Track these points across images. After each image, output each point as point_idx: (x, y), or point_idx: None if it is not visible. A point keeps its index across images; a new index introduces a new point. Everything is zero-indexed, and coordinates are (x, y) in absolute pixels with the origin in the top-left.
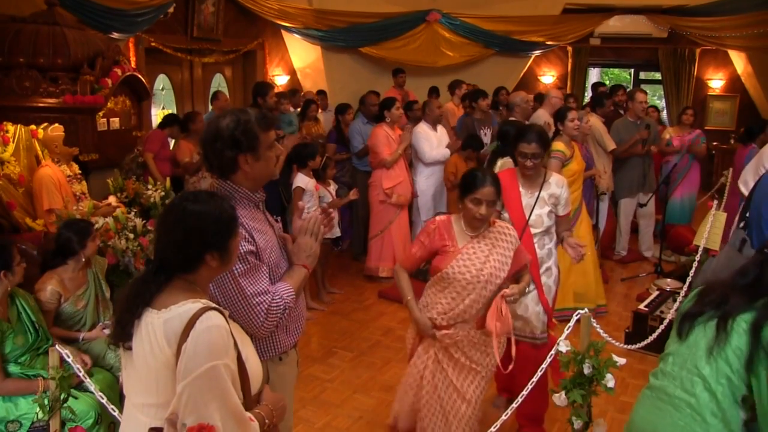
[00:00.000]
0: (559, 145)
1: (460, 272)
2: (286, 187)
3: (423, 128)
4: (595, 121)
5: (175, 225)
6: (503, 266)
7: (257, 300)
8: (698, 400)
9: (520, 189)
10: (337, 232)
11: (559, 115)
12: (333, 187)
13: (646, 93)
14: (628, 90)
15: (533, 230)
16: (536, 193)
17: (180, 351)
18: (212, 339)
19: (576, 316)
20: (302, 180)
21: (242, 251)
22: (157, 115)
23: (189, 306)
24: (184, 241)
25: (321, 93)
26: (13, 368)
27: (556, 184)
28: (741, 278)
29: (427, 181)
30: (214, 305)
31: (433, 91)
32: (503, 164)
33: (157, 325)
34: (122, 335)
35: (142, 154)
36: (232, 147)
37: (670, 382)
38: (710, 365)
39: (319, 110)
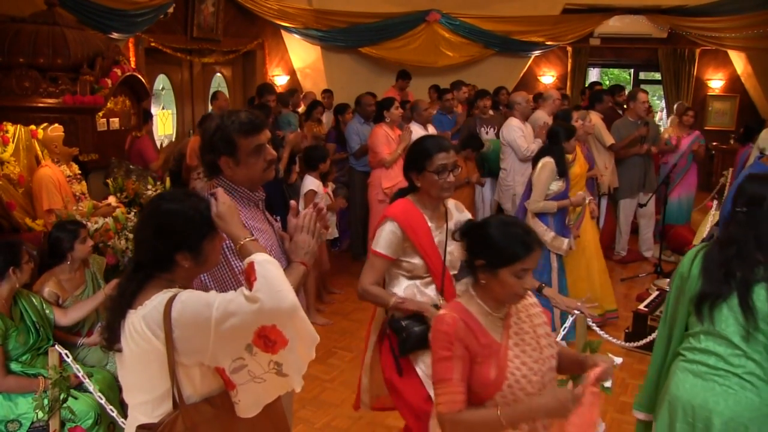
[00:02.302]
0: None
1: (523, 375)
2: (288, 186)
3: (414, 129)
4: (594, 118)
5: (147, 223)
6: (551, 334)
7: None
8: (745, 368)
9: (429, 223)
10: (334, 233)
11: (565, 117)
12: (330, 188)
13: (647, 93)
14: (627, 90)
15: (453, 272)
16: (444, 226)
17: (169, 337)
18: (191, 307)
19: (571, 317)
20: (313, 183)
21: None
22: (156, 115)
23: (161, 297)
24: (155, 240)
25: (327, 92)
26: (14, 366)
27: (456, 209)
28: (728, 249)
29: None
30: (185, 290)
31: (434, 89)
32: (544, 164)
33: (136, 322)
34: (112, 338)
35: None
36: (211, 150)
37: (709, 357)
38: (747, 341)
39: (324, 110)
